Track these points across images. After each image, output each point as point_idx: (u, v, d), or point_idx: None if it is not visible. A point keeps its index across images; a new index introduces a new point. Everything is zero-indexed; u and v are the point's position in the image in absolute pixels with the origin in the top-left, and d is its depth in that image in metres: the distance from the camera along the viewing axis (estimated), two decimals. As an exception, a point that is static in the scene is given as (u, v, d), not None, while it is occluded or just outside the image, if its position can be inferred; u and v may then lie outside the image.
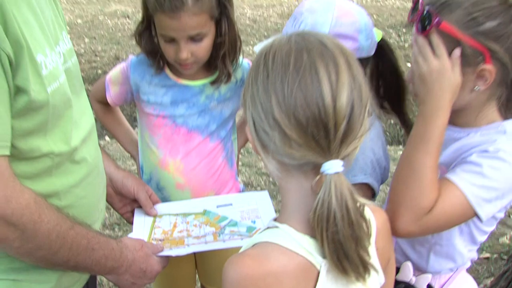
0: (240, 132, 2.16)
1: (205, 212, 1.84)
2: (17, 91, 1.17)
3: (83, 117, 1.46)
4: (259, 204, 1.88)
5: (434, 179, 1.36)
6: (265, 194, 1.94)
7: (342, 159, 1.02)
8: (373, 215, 1.18)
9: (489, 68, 1.35)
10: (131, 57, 1.99)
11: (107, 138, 5.54)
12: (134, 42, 1.96)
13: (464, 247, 1.54)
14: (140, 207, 1.88)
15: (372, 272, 1.11)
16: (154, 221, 1.81)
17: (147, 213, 1.85)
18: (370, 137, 1.69)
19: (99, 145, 1.65)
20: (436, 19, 1.33)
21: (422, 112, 1.39)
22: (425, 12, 1.36)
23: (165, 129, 1.97)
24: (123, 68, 1.98)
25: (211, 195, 1.98)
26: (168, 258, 1.63)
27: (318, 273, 1.09)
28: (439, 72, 1.36)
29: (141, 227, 1.78)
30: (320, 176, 1.02)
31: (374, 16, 11.78)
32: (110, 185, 1.79)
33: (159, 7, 1.71)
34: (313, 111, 0.99)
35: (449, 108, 1.37)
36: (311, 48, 1.03)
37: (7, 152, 1.15)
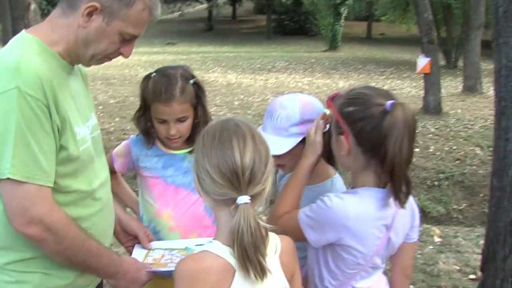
0: None
1: (186, 249, 2.42)
2: (61, 148, 1.84)
3: (102, 170, 2.13)
4: None
5: (289, 199, 2.02)
6: None
7: (251, 196, 1.62)
8: (280, 239, 1.76)
9: (344, 139, 1.93)
10: (132, 136, 2.66)
11: (128, 209, 6.22)
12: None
13: (328, 276, 2.05)
14: (139, 243, 2.49)
15: (269, 275, 1.64)
16: (148, 253, 2.41)
17: (144, 247, 2.45)
18: (340, 187, 2.30)
19: (114, 194, 2.32)
20: (330, 100, 1.99)
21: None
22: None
23: (158, 187, 2.58)
24: (127, 144, 2.65)
25: (195, 236, 2.56)
26: (153, 274, 2.23)
27: (235, 271, 1.63)
28: (308, 135, 2.06)
29: (138, 255, 2.39)
30: (235, 206, 1.62)
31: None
32: (118, 224, 2.43)
33: (156, 99, 2.39)
34: (229, 165, 1.60)
35: (312, 158, 2.03)
36: (229, 128, 1.67)
37: (51, 185, 1.81)
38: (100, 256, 1.97)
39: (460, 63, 21.78)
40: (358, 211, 1.91)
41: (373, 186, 1.96)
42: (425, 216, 7.93)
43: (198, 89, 2.51)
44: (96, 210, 2.05)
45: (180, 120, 2.45)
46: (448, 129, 11.26)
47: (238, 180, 1.61)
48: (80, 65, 2.11)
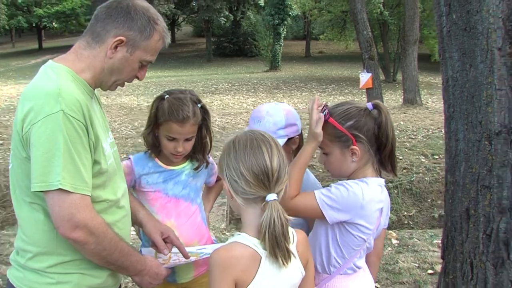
0: (206, 199, 3.08)
1: (189, 252, 2.67)
2: (94, 162, 2.12)
3: (121, 182, 2.40)
4: None
5: (297, 181, 2.28)
6: None
7: (276, 193, 1.92)
8: (295, 232, 2.05)
9: (356, 147, 2.30)
10: (132, 157, 2.87)
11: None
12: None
13: (335, 254, 2.33)
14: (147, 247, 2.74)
15: (293, 258, 1.94)
16: (156, 254, 2.66)
17: (150, 251, 2.70)
18: (314, 180, 2.69)
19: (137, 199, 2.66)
20: (328, 117, 2.30)
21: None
22: (325, 113, 2.31)
23: (160, 200, 2.82)
24: (128, 164, 2.82)
25: (196, 242, 2.82)
26: (170, 269, 2.53)
27: (261, 258, 1.91)
28: (310, 126, 2.29)
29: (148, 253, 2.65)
30: (265, 203, 1.91)
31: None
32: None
33: (171, 118, 2.61)
34: (261, 167, 1.90)
35: (313, 144, 2.30)
36: (257, 137, 1.97)
37: (90, 195, 2.07)
38: (130, 255, 2.24)
39: (399, 77, 22.57)
40: (370, 194, 2.27)
41: (373, 176, 2.37)
42: (379, 223, 8.30)
43: (204, 113, 2.78)
44: (120, 217, 2.33)
45: (188, 139, 2.72)
46: (393, 140, 11.71)
47: (268, 180, 1.91)
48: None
